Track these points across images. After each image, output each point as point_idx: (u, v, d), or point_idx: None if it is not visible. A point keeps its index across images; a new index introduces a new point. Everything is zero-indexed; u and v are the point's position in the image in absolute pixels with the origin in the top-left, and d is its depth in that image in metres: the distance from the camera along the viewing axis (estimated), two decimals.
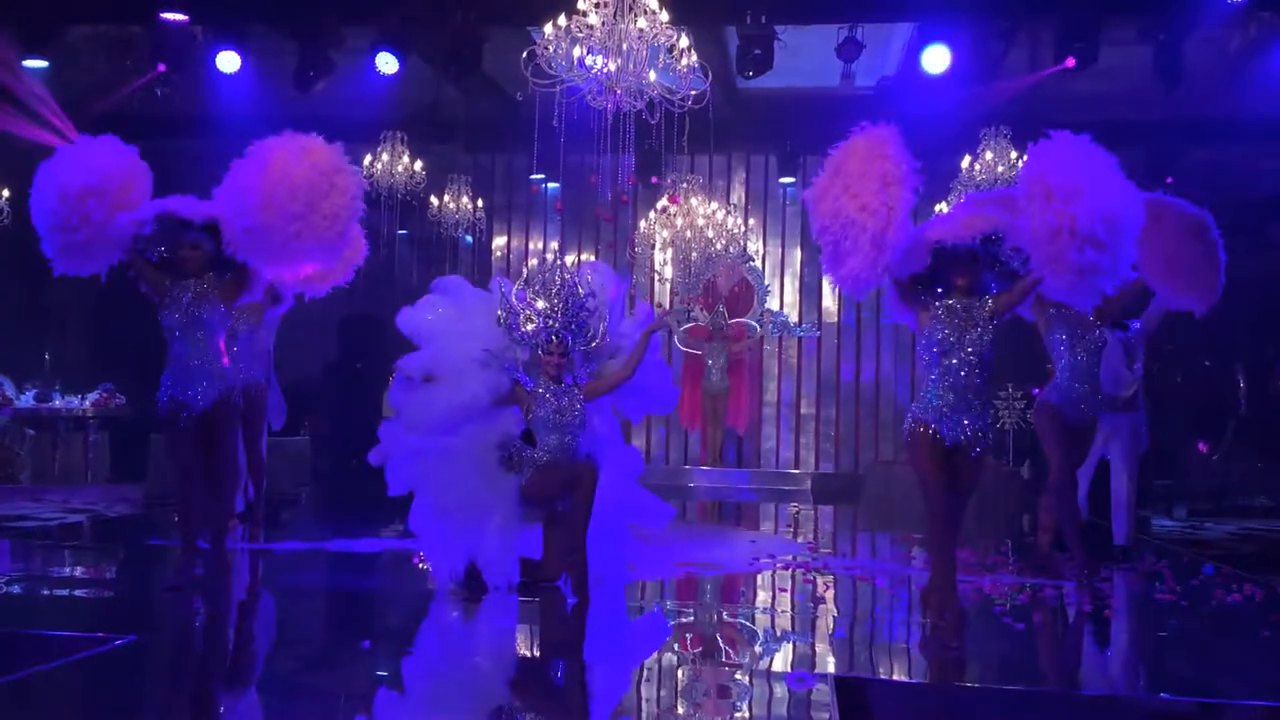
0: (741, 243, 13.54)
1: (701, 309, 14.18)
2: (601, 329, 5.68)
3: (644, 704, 4.16)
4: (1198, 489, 11.75)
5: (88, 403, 12.08)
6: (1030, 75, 10.61)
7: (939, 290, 5.47)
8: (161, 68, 10.33)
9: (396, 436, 5.66)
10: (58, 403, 11.98)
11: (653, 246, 12.86)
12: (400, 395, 5.75)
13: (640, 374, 5.81)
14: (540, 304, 5.61)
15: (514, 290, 5.71)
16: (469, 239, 14.32)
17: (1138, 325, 7.01)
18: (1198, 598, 6.09)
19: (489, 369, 5.66)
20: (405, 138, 12.41)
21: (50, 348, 13.58)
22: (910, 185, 5.33)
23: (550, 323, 5.57)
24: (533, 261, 13.83)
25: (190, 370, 5.69)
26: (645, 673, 4.64)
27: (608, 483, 5.80)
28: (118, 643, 4.42)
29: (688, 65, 8.27)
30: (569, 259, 5.93)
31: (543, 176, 13.57)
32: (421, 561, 6.69)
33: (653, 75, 8.20)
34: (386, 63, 10.06)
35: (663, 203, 12.71)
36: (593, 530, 5.67)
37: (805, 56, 10.54)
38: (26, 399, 11.88)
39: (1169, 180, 11.74)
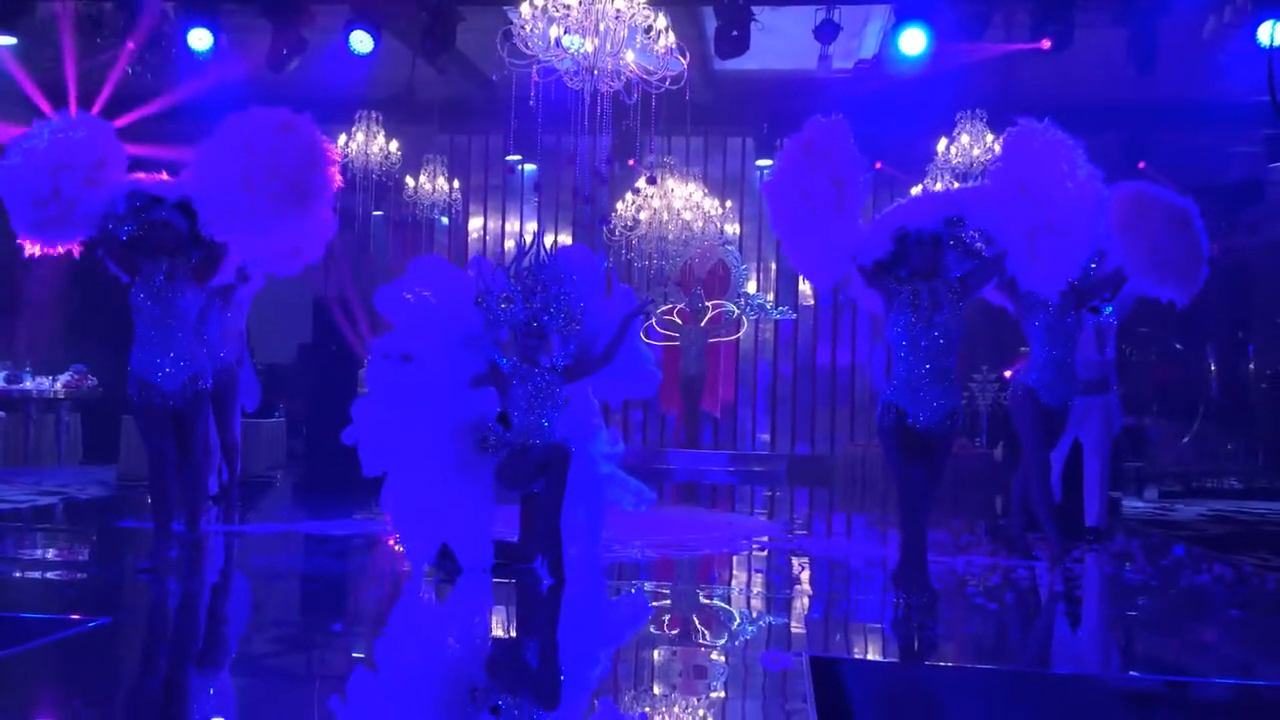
0: (719, 224, 13.53)
1: (679, 289, 14.19)
2: (580, 312, 5.66)
3: (620, 684, 4.18)
4: (1168, 471, 11.88)
5: (59, 384, 11.97)
6: (1006, 58, 10.62)
7: (904, 275, 5.52)
8: (131, 45, 10.20)
9: (371, 416, 5.63)
10: (29, 384, 11.86)
11: (629, 228, 12.83)
12: (376, 375, 5.72)
13: (620, 358, 5.80)
14: (519, 286, 5.59)
15: (493, 272, 5.69)
16: (445, 220, 14.25)
17: (1111, 310, 7.06)
18: (1168, 578, 6.16)
19: (466, 350, 5.64)
20: (380, 118, 12.32)
21: (21, 328, 13.44)
22: (859, 182, 5.53)
23: (529, 305, 5.56)
24: (509, 243, 13.79)
25: (159, 351, 5.65)
26: (621, 653, 4.65)
27: (586, 465, 5.80)
28: (91, 625, 4.40)
29: (665, 46, 8.25)
30: (546, 240, 5.88)
31: (519, 157, 13.52)
32: (396, 543, 6.68)
33: (630, 56, 8.18)
34: (361, 41, 9.96)
35: (640, 184, 12.68)
36: (570, 512, 5.67)
37: (783, 38, 10.53)
38: None
39: (1141, 165, 11.83)
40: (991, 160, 5.79)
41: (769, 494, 10.99)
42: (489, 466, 5.58)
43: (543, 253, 5.66)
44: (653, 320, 14.04)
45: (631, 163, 12.86)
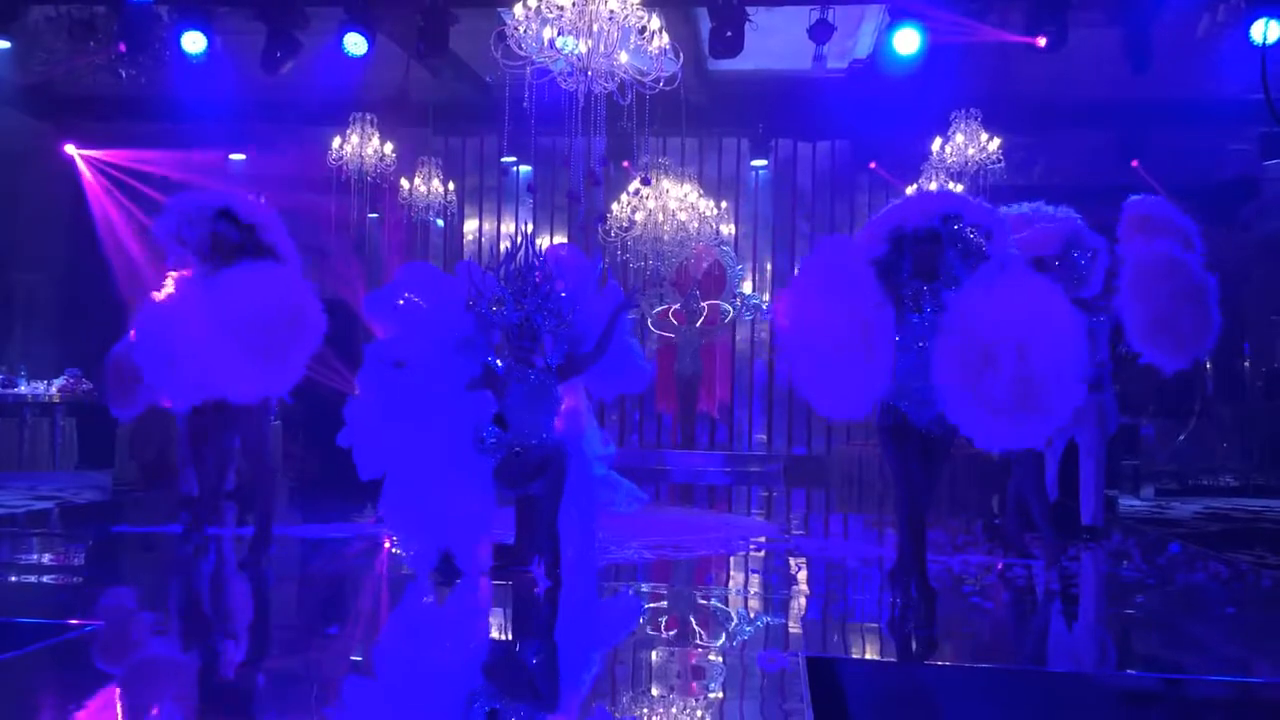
0: (714, 225, 13.53)
1: (674, 289, 14.19)
2: (570, 311, 5.65)
3: (618, 685, 4.17)
4: (1165, 469, 11.89)
5: (54, 388, 11.95)
6: (1001, 58, 10.63)
7: (904, 276, 5.47)
8: (122, 48, 10.18)
9: (365, 419, 5.62)
10: (24, 388, 11.84)
11: (624, 229, 12.83)
12: (370, 381, 5.71)
13: (611, 353, 5.80)
14: (509, 288, 5.57)
15: (482, 275, 5.68)
16: (440, 222, 14.24)
17: (1103, 318, 7.02)
18: (1164, 576, 6.17)
19: (460, 354, 5.63)
20: (375, 120, 12.30)
21: (16, 332, 13.42)
22: (877, 302, 5.06)
23: (520, 306, 5.54)
24: (505, 244, 13.77)
25: None
26: (618, 655, 4.65)
27: (579, 467, 5.79)
28: (87, 629, 4.39)
29: (659, 47, 8.24)
30: (538, 242, 5.86)
31: (514, 159, 13.51)
32: (394, 546, 6.67)
33: (624, 57, 8.17)
34: (355, 43, 9.96)
35: (635, 185, 12.68)
36: (564, 514, 5.67)
37: (777, 38, 10.54)
38: None
39: (1135, 163, 11.84)
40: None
41: (766, 494, 10.99)
42: (487, 468, 5.57)
43: (532, 253, 5.65)
44: (649, 321, 14.05)
45: (626, 164, 12.85)
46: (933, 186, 11.24)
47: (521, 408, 5.57)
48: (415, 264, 6.03)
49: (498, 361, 5.63)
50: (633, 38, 8.07)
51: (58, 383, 12.00)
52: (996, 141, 11.52)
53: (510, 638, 4.99)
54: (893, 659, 4.60)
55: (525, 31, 7.94)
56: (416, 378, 5.58)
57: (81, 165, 12.78)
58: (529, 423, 5.57)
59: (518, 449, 5.55)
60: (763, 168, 14.27)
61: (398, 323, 5.69)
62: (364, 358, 5.73)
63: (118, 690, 3.94)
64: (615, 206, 12.96)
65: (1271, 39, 8.56)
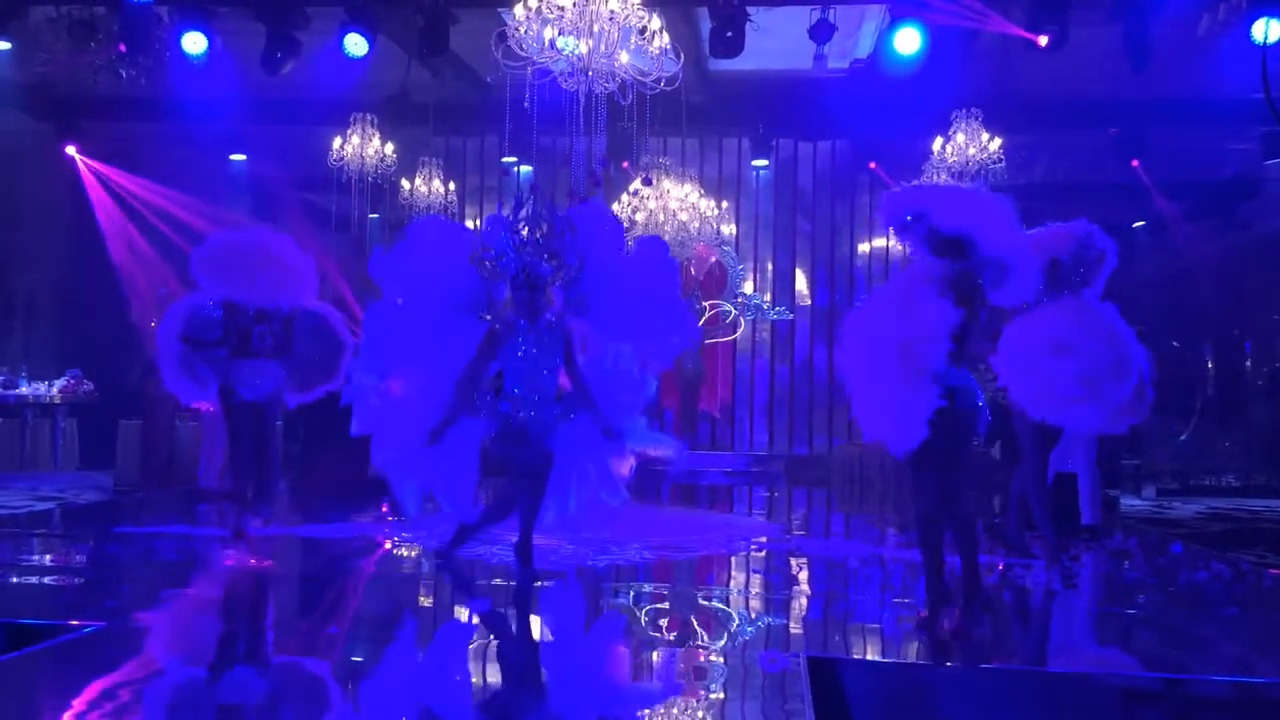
0: (715, 225, 13.53)
1: None
2: (577, 259, 5.50)
3: (616, 684, 4.17)
4: (1166, 468, 11.89)
5: (55, 389, 11.95)
6: (1002, 57, 10.63)
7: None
8: (122, 48, 10.18)
9: (362, 379, 5.58)
10: (25, 389, 11.85)
11: (626, 229, 12.82)
12: (371, 333, 5.64)
13: (661, 312, 5.69)
14: (513, 239, 5.40)
15: (491, 228, 5.56)
16: None
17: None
18: (1165, 576, 6.16)
19: (459, 314, 5.52)
20: (375, 120, 12.31)
21: (16, 333, 13.43)
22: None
23: (520, 256, 5.39)
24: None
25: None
26: (619, 654, 4.64)
27: (588, 433, 5.61)
28: (88, 630, 4.39)
29: (660, 47, 8.25)
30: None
31: (515, 159, 13.51)
32: (394, 545, 6.66)
33: (625, 57, 8.18)
34: (355, 44, 9.97)
35: (635, 184, 12.68)
36: (579, 480, 5.60)
37: (778, 38, 10.54)
38: None
39: (1135, 163, 11.82)
40: None
41: (767, 494, 10.99)
42: (477, 427, 5.47)
43: (541, 206, 5.53)
44: None
45: (626, 165, 12.85)
46: None
47: (520, 368, 5.44)
48: (427, 218, 5.99)
49: (500, 319, 5.50)
50: (633, 38, 8.08)
51: (59, 384, 12.00)
52: (997, 141, 11.52)
53: (510, 636, 4.98)
54: (894, 659, 4.60)
55: (526, 32, 7.95)
56: (415, 334, 5.51)
57: (82, 165, 12.79)
58: (528, 387, 5.44)
59: (506, 435, 5.46)
60: (763, 168, 14.27)
61: (396, 286, 5.62)
62: (365, 319, 5.68)
63: (118, 691, 3.94)
64: (616, 207, 12.95)
65: (1272, 38, 8.56)
